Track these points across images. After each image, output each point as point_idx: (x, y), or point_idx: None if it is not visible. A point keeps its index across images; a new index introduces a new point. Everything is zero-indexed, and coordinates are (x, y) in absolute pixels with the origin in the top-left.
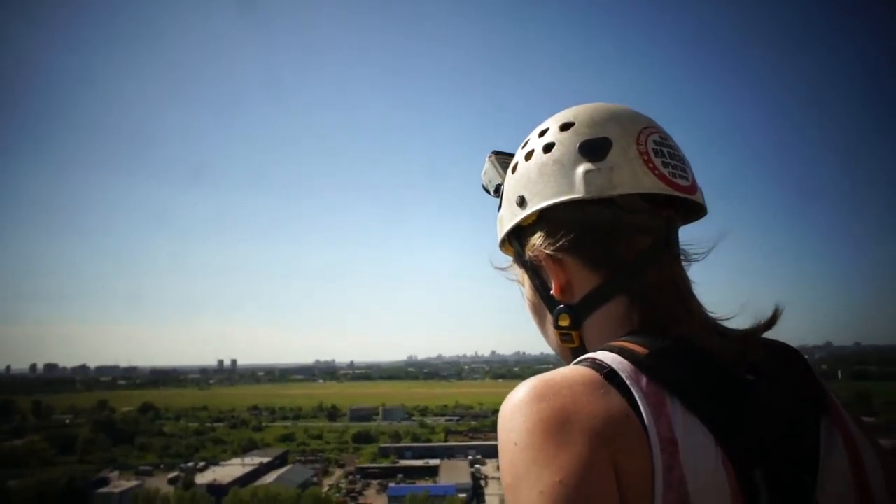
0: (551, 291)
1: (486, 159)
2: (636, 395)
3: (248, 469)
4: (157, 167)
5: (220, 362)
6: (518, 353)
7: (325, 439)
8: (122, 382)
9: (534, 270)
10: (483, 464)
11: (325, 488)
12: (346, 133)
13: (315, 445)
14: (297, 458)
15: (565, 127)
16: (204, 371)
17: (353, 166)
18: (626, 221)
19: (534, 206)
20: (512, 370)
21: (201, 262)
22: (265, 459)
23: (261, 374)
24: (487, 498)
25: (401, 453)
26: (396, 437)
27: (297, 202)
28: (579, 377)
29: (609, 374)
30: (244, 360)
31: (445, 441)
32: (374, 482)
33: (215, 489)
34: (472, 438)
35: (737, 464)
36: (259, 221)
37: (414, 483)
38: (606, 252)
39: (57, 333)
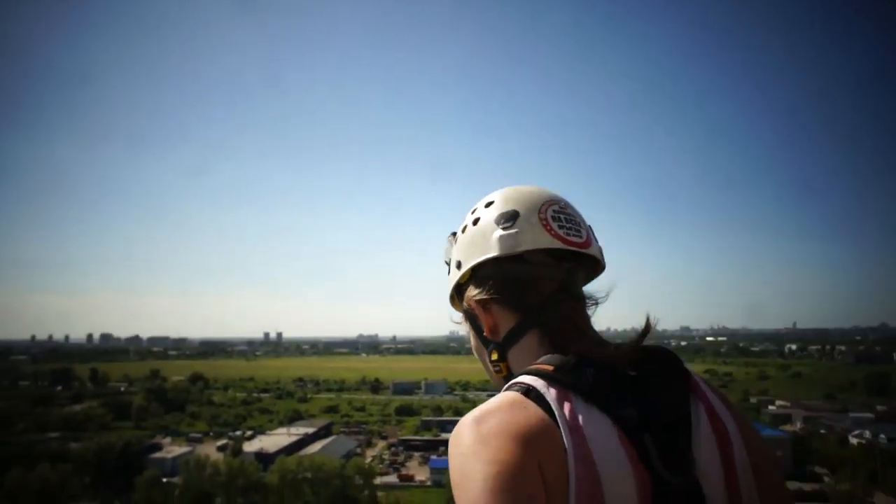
0: (485, 333)
1: (447, 240)
2: (549, 402)
3: (293, 438)
4: (209, 142)
5: (266, 335)
6: None
7: (368, 411)
8: (172, 353)
9: (472, 318)
10: None
11: (369, 459)
12: (382, 100)
13: (358, 417)
14: (342, 429)
15: (488, 205)
16: (251, 343)
17: (394, 136)
18: (533, 272)
19: (466, 266)
20: None
21: (249, 236)
22: (310, 430)
23: (306, 346)
24: None
25: (443, 426)
26: (438, 410)
27: (341, 177)
28: (507, 400)
29: (527, 391)
30: (289, 334)
31: None
32: (417, 454)
33: (263, 457)
34: None
35: (629, 433)
36: (307, 197)
37: None
38: (520, 297)
39: (112, 305)
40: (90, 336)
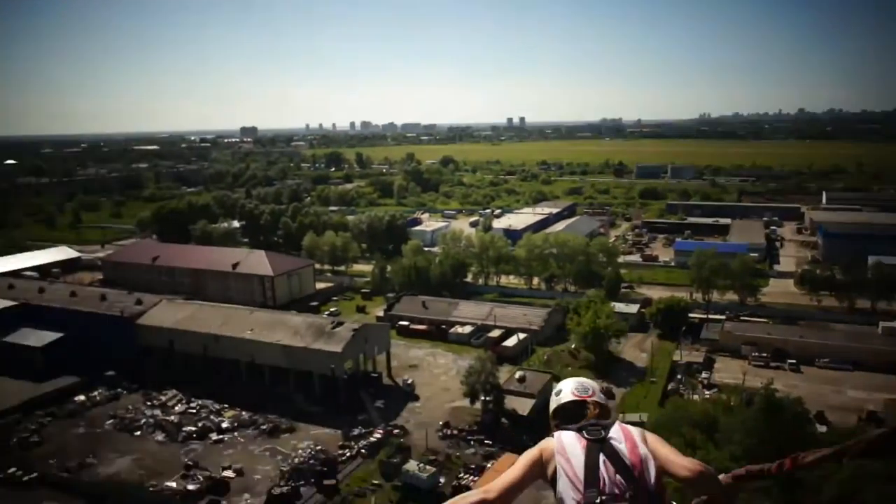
0: None
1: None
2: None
3: (538, 217)
4: None
5: (510, 120)
6: (832, 110)
7: (611, 194)
8: (424, 138)
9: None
10: (780, 225)
11: (612, 239)
12: None
13: (602, 200)
14: (585, 210)
15: (554, 387)
16: (495, 128)
17: None
18: (570, 412)
19: (551, 412)
20: (824, 130)
21: (492, 25)
22: (554, 210)
23: (548, 131)
24: (782, 259)
25: (689, 211)
26: (685, 195)
27: None
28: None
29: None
30: (532, 118)
31: (739, 201)
32: (661, 236)
33: (510, 233)
34: (769, 200)
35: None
36: None
37: (702, 240)
38: (567, 422)
39: (369, 96)
40: (352, 123)
